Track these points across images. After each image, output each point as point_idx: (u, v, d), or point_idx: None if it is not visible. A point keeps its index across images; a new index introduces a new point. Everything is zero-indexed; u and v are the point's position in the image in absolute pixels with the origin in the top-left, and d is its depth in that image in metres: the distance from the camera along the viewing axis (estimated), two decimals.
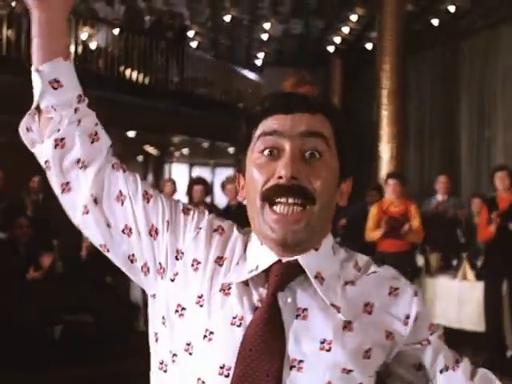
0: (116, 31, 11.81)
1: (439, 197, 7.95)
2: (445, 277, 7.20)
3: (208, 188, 7.99)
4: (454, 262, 7.35)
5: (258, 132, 1.29)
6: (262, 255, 1.28)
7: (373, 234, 6.87)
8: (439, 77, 17.23)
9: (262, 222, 1.27)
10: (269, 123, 1.27)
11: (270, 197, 1.26)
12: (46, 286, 5.92)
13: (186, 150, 18.13)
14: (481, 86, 14.81)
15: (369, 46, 17.62)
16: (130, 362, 5.81)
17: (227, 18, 17.02)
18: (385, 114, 14.39)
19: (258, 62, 22.06)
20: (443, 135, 16.61)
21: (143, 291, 1.64)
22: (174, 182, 8.36)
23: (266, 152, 1.27)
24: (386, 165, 14.20)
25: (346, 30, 18.51)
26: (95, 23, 11.69)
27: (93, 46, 11.51)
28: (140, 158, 17.85)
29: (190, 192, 7.87)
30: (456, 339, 5.90)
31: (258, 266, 1.26)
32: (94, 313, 6.16)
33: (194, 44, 17.68)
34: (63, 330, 6.29)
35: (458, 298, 6.95)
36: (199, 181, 8.09)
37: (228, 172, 19.66)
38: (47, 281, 5.94)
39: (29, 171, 7.85)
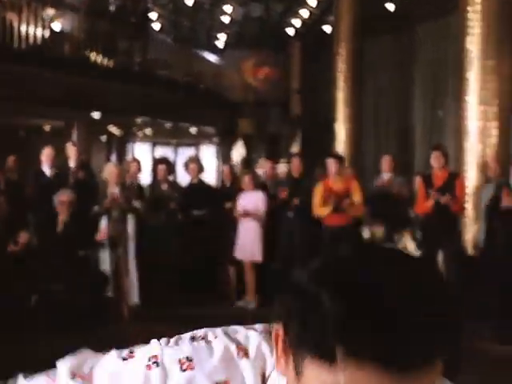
0: (81, 15, 12.26)
1: (384, 175, 8.63)
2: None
3: (171, 167, 8.60)
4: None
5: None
6: None
7: (320, 210, 7.53)
8: (395, 61, 17.88)
9: None
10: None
11: None
12: (23, 259, 6.48)
13: (148, 131, 18.56)
14: (434, 70, 15.21)
15: (328, 29, 18.14)
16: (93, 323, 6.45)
17: (189, 1, 17.46)
18: (340, 97, 15.01)
19: (219, 44, 22.47)
20: (399, 116, 17.19)
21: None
22: (138, 162, 8.89)
23: None
24: (341, 145, 14.89)
25: (305, 13, 19.04)
26: (60, 7, 12.12)
27: (57, 29, 11.94)
28: (103, 138, 18.19)
29: (154, 171, 8.47)
30: None
31: None
32: (67, 282, 6.72)
33: (156, 26, 18.09)
34: (38, 299, 6.86)
35: None
36: (163, 160, 8.70)
37: (190, 151, 20.23)
38: (24, 254, 6.49)
39: (5, 151, 8.37)
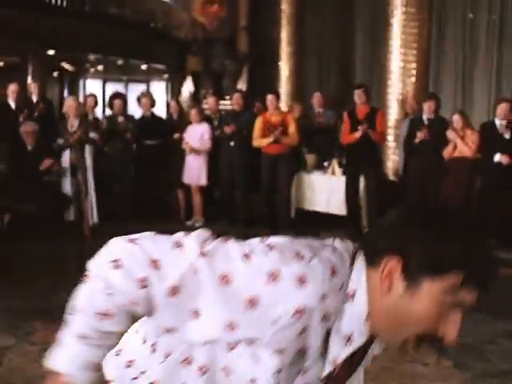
0: None
1: (316, 109, 9.62)
2: (319, 173, 8.96)
3: (126, 101, 9.39)
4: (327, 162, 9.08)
5: (455, 281, 1.18)
6: None
7: (259, 141, 8.52)
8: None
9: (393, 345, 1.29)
10: (468, 295, 1.20)
11: (419, 343, 1.25)
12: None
13: (100, 67, 19.03)
14: (375, 10, 15.76)
15: None
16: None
17: None
18: (283, 36, 15.69)
19: None
20: (340, 54, 17.73)
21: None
22: (95, 97, 9.68)
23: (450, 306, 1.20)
24: (285, 81, 15.74)
25: None
26: None
27: None
28: (55, 73, 18.61)
29: (110, 105, 9.27)
30: (325, 221, 7.70)
31: None
32: (36, 203, 7.66)
33: None
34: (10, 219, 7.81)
35: (328, 190, 8.72)
36: (118, 95, 9.50)
37: (141, 87, 20.81)
38: None
39: None
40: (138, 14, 17.23)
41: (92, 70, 19.68)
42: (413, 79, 9.24)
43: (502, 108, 7.68)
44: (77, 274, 3.79)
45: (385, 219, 1.31)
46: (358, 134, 8.05)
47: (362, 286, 1.24)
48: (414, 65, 9.25)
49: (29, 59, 14.81)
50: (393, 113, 9.36)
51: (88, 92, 19.80)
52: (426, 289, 1.18)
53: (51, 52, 14.32)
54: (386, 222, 1.29)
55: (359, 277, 1.25)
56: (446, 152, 7.75)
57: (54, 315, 4.86)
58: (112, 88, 21.27)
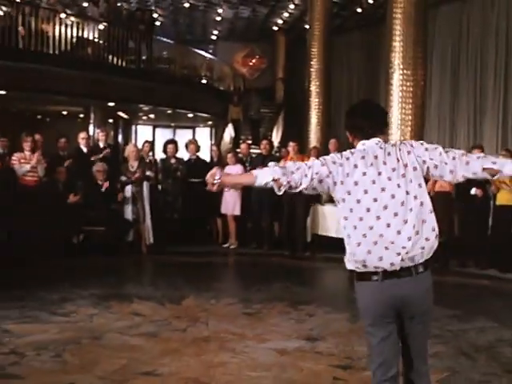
0: (101, 26, 15.26)
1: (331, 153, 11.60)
2: (331, 205, 10.91)
3: (177, 147, 11.56)
4: None
5: None
6: None
7: None
8: (364, 54, 20.64)
9: None
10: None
11: None
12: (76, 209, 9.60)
13: (152, 115, 21.39)
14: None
15: (307, 26, 20.38)
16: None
17: (186, 4, 20.27)
18: (313, 88, 17.69)
19: (213, 38, 25.15)
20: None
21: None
22: (150, 143, 11.90)
23: None
24: (314, 128, 17.66)
25: (285, 15, 21.68)
26: (84, 19, 15.10)
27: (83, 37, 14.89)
28: (111, 120, 20.93)
29: (164, 149, 11.44)
30: (336, 244, 9.68)
31: None
32: (105, 226, 9.84)
33: (158, 23, 20.83)
34: (84, 237, 10.01)
35: (338, 218, 10.65)
36: (172, 141, 11.69)
37: (187, 132, 23.17)
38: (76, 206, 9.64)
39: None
40: (184, 70, 19.57)
41: (144, 117, 22.04)
42: (409, 128, 11.24)
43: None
44: (135, 279, 6.28)
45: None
46: None
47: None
48: (410, 117, 11.26)
49: (91, 110, 17.21)
50: None
51: (139, 136, 22.33)
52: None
53: (111, 104, 16.61)
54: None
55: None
56: (428, 188, 9.62)
57: (121, 298, 6.98)
58: (161, 133, 23.76)
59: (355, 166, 3.01)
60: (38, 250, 8.87)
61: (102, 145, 11.23)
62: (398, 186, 2.98)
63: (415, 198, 2.97)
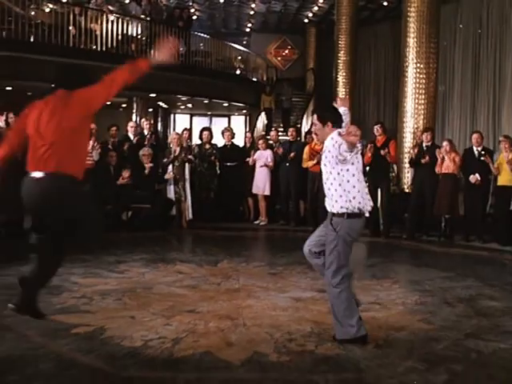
0: (143, 24, 16.66)
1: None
2: None
3: (212, 133, 12.87)
4: None
5: None
6: None
7: (306, 163, 11.81)
8: (390, 45, 21.71)
9: None
10: None
11: None
12: (125, 189, 11.00)
13: (189, 105, 22.78)
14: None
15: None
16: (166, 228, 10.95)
17: (221, 0, 21.57)
18: (340, 78, 18.92)
19: (247, 30, 26.40)
20: (394, 90, 20.77)
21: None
22: (189, 131, 13.22)
23: None
24: None
25: (315, 8, 22.84)
26: (128, 17, 16.51)
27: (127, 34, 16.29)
28: (150, 109, 22.34)
29: (200, 136, 12.76)
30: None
31: None
32: (149, 204, 11.23)
33: (194, 18, 22.18)
34: (132, 214, 11.40)
35: None
36: (207, 129, 13.02)
37: (222, 120, 24.52)
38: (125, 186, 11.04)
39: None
40: (220, 62, 20.89)
41: (182, 106, 23.44)
42: (422, 117, 12.41)
43: (475, 138, 10.76)
44: (177, 247, 7.70)
45: None
46: (367, 157, 11.09)
47: None
48: (422, 106, 12.43)
49: (134, 100, 18.63)
50: (407, 141, 12.53)
51: (177, 124, 23.73)
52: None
53: (152, 95, 18.02)
54: None
55: None
56: (437, 167, 10.80)
57: (166, 262, 8.30)
58: (198, 121, 25.16)
59: None
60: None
61: (146, 132, 12.54)
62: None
63: None
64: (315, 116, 5.20)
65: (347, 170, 4.91)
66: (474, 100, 18.12)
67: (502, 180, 10.61)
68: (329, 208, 5.10)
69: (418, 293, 7.22)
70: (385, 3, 20.87)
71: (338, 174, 4.94)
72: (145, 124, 12.68)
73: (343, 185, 4.94)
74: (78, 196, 4.71)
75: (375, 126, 11.38)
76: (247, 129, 22.94)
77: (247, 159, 12.73)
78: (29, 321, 5.52)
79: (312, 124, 5.63)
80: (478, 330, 5.61)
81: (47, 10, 15.66)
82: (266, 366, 4.58)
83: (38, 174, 4.47)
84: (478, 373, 4.58)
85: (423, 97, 12.43)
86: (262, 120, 21.85)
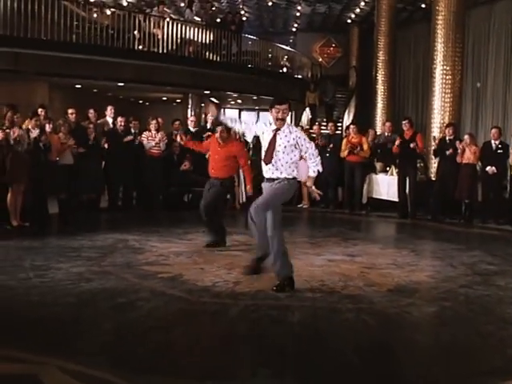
0: (199, 27, 18.49)
1: (386, 133, 14.33)
2: (383, 174, 13.74)
3: None
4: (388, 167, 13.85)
5: None
6: None
7: (343, 153, 13.46)
8: (428, 45, 22.94)
9: None
10: None
11: None
12: (186, 175, 12.83)
13: (239, 100, 24.49)
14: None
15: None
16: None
17: (270, 3, 23.19)
18: (379, 77, 20.34)
19: (293, 30, 27.94)
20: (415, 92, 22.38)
21: None
22: None
23: None
24: (380, 111, 20.32)
25: (357, 10, 24.24)
26: (187, 23, 18.34)
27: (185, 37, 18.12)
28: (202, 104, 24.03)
29: None
30: (386, 205, 12.62)
31: None
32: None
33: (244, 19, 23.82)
34: (192, 196, 13.21)
35: (388, 185, 13.50)
36: None
37: (268, 115, 26.03)
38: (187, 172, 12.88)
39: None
40: (267, 61, 22.55)
41: (232, 102, 25.16)
42: (447, 113, 13.94)
43: (493, 132, 12.24)
44: (232, 224, 9.37)
45: None
46: (396, 148, 12.68)
47: None
48: (448, 104, 13.95)
49: (189, 97, 20.46)
50: (435, 135, 14.07)
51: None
52: None
53: (206, 92, 19.80)
54: None
55: None
56: (458, 158, 12.29)
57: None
58: (246, 115, 26.85)
59: None
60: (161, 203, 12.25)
61: (208, 126, 13.95)
62: None
63: None
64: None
65: None
66: (506, 96, 19.40)
67: None
68: None
69: (429, 259, 8.87)
70: (422, 5, 22.07)
71: None
72: (208, 117, 14.28)
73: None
74: None
75: (403, 122, 12.92)
76: (293, 123, 24.51)
77: None
78: (123, 267, 7.37)
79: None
80: (471, 283, 7.21)
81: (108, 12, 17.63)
82: (303, 298, 6.27)
83: None
84: (462, 307, 6.18)
85: (449, 95, 13.96)
86: (306, 115, 23.40)
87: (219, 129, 8.94)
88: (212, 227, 8.98)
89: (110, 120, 12.94)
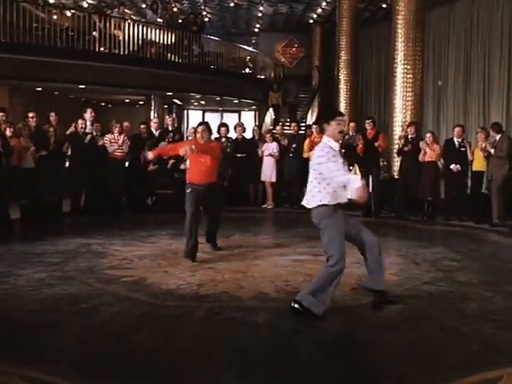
0: (160, 28, 18.40)
1: (350, 133, 14.40)
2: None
3: (228, 128, 14.48)
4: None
5: None
6: None
7: (306, 153, 13.48)
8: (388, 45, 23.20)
9: None
10: None
11: None
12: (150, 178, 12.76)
13: (202, 102, 24.46)
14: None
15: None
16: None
17: (231, 4, 23.18)
18: (341, 76, 20.48)
19: (256, 30, 27.97)
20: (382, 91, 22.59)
21: None
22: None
23: None
24: (343, 110, 20.35)
25: (319, 10, 24.36)
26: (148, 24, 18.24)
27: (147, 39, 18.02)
28: (166, 106, 24.02)
29: (219, 131, 14.39)
30: (349, 204, 12.38)
31: None
32: (171, 190, 12.94)
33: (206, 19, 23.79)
34: (156, 199, 13.14)
35: None
36: (224, 125, 14.66)
37: (233, 116, 26.13)
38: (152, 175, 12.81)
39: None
40: (230, 62, 22.54)
41: (195, 103, 25.13)
42: (409, 112, 14.07)
43: (458, 130, 12.36)
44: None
45: None
46: (359, 148, 12.73)
47: None
48: (410, 103, 14.08)
49: (151, 98, 20.36)
50: (396, 135, 14.19)
51: (190, 120, 25.42)
52: None
53: (169, 93, 19.74)
54: None
55: None
56: (420, 156, 12.42)
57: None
58: (210, 117, 26.83)
59: None
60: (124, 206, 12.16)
61: (170, 128, 13.95)
62: None
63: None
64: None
65: None
66: (466, 94, 19.67)
67: (476, 166, 12.23)
68: None
69: (393, 256, 8.90)
70: (383, 5, 22.26)
71: None
72: (168, 120, 14.25)
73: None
74: None
75: (366, 121, 13.00)
76: (256, 123, 24.56)
77: (257, 150, 14.39)
78: (86, 272, 7.29)
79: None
80: (434, 280, 7.27)
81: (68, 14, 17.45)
82: (267, 299, 6.27)
83: None
84: (425, 304, 6.22)
85: (410, 94, 14.11)
86: (270, 115, 23.45)
87: (200, 128, 8.28)
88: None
89: (89, 123, 12.72)
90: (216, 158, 8.44)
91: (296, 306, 5.66)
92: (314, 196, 5.81)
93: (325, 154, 5.61)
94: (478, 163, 12.18)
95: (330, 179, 5.63)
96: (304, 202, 5.96)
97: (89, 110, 12.82)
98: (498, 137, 11.90)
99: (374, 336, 5.26)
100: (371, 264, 6.10)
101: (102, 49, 17.12)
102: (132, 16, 18.50)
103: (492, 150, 11.76)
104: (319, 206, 5.80)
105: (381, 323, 5.67)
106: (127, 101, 23.71)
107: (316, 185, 5.75)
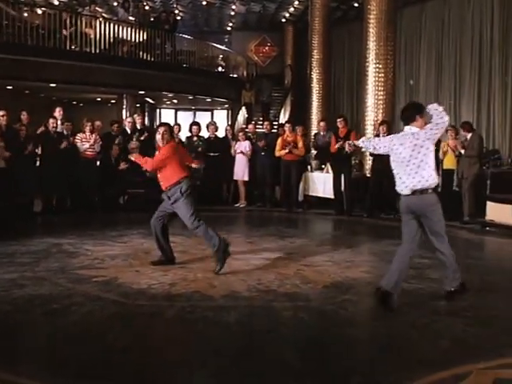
0: (132, 27, 18.30)
1: (321, 132, 14.44)
2: (318, 172, 13.86)
3: (200, 127, 14.45)
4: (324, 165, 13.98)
5: None
6: None
7: (278, 152, 13.48)
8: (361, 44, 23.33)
9: None
10: None
11: None
12: (123, 176, 12.66)
13: (175, 100, 24.39)
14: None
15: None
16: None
17: (204, 2, 23.13)
18: (314, 75, 20.49)
19: (228, 29, 27.94)
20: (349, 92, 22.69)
21: None
22: (179, 126, 14.73)
23: None
24: (315, 109, 20.45)
25: (291, 9, 24.40)
26: (119, 23, 18.13)
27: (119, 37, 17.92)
28: (138, 104, 23.92)
29: (190, 129, 14.35)
30: (322, 202, 12.73)
31: None
32: (143, 189, 12.86)
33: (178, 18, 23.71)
34: (128, 198, 13.06)
35: (324, 182, 13.61)
36: (196, 123, 14.63)
37: (206, 114, 26.09)
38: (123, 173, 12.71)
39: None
40: (203, 60, 22.51)
41: (168, 102, 25.04)
42: (381, 111, 14.16)
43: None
44: (169, 224, 8.79)
45: None
46: (334, 148, 12.75)
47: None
48: (382, 101, 14.17)
49: (123, 97, 20.24)
50: (368, 133, 14.26)
51: (163, 118, 25.34)
52: None
53: (141, 92, 19.64)
54: None
55: None
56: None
57: None
58: (183, 115, 26.77)
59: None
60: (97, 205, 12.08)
61: (139, 127, 13.99)
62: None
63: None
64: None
65: None
66: (438, 93, 19.83)
67: (447, 164, 12.33)
68: None
69: (365, 255, 8.99)
70: (355, 4, 22.35)
71: None
72: (137, 119, 14.22)
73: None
74: None
75: (338, 120, 13.01)
76: (229, 122, 24.57)
77: (230, 149, 14.37)
78: (57, 272, 7.24)
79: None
80: (406, 277, 7.32)
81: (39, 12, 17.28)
82: (239, 298, 6.27)
83: None
84: (397, 301, 6.26)
85: (382, 93, 14.19)
86: (242, 114, 23.46)
87: (161, 129, 7.57)
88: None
89: (59, 122, 12.61)
90: (164, 159, 7.54)
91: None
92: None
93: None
94: (449, 161, 12.28)
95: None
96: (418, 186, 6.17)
97: (58, 109, 12.74)
98: (468, 136, 12.01)
99: (346, 334, 5.28)
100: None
101: (73, 47, 16.95)
102: (103, 14, 18.27)
103: (462, 151, 11.87)
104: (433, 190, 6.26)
105: (353, 321, 5.71)
106: (99, 99, 23.53)
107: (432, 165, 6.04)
